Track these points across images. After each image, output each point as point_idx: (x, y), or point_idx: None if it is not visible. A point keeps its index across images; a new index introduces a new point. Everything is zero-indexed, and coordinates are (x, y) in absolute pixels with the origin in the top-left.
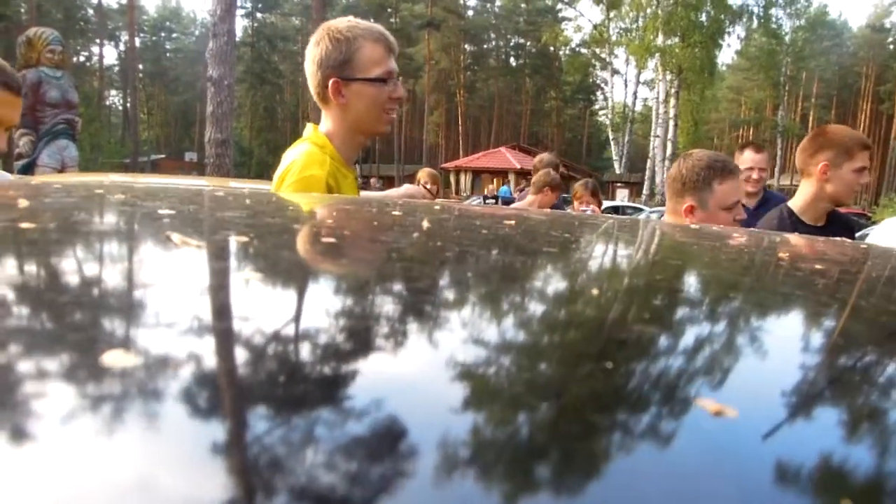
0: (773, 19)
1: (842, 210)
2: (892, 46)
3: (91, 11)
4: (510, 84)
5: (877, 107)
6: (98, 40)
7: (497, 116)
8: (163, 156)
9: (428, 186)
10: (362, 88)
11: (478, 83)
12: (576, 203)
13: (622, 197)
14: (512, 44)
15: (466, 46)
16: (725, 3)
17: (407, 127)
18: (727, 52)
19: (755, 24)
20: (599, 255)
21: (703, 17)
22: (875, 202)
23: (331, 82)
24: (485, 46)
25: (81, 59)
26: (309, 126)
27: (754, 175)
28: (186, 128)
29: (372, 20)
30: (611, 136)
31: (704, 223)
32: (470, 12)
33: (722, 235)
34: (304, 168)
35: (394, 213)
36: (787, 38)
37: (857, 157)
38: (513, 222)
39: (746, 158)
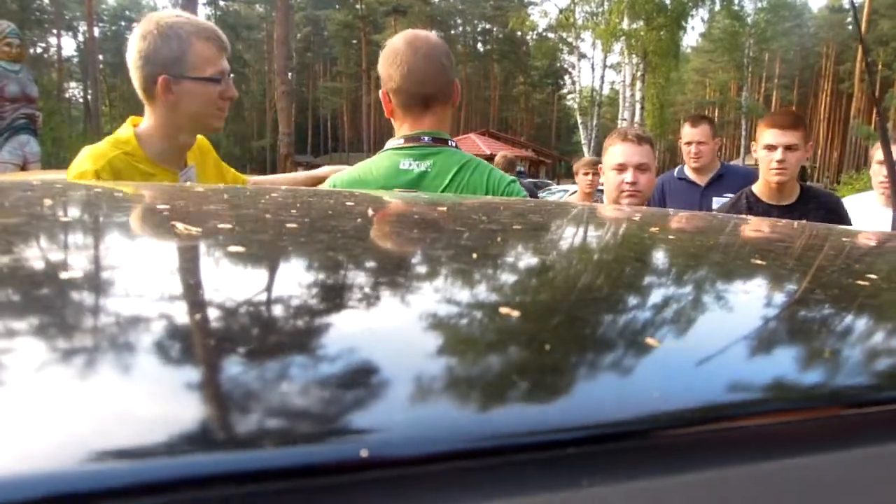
0: (736, 1)
1: None
2: (850, 27)
3: (47, 1)
4: (478, 70)
5: (837, 86)
6: (55, 31)
7: (466, 102)
8: None
9: None
10: (195, 87)
11: None
12: None
13: None
14: (479, 29)
15: (434, 32)
16: None
17: (376, 115)
18: (691, 35)
19: (718, 6)
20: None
21: (667, 0)
22: (837, 180)
23: (160, 80)
24: (452, 32)
25: (38, 50)
26: (128, 120)
27: (693, 149)
28: None
29: (337, 7)
30: (579, 120)
31: (606, 182)
32: None
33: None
34: (76, 167)
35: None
36: (749, 20)
37: (763, 135)
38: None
39: (685, 133)
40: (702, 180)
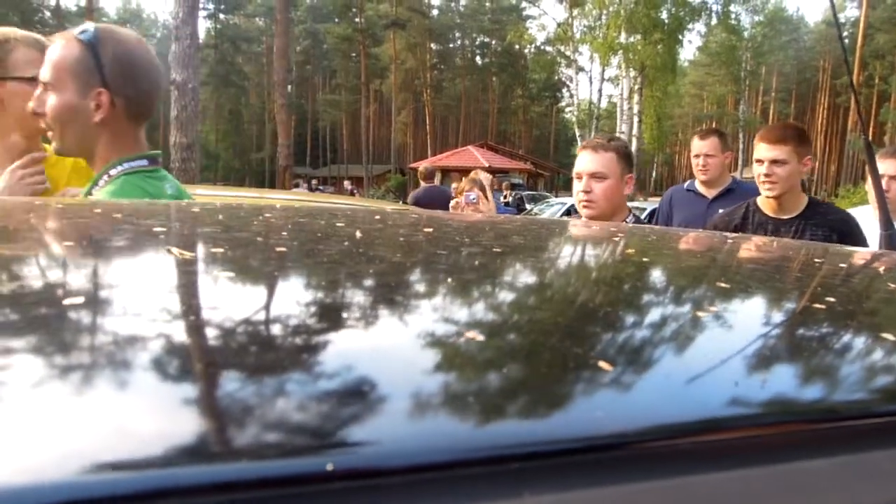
0: (733, 15)
1: None
2: (847, 41)
3: (49, 14)
4: (477, 83)
5: (834, 100)
6: None
7: (464, 115)
8: None
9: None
10: (17, 87)
11: (444, 82)
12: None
13: None
14: (477, 42)
15: (432, 45)
16: (685, 1)
17: (375, 127)
18: (689, 49)
19: (715, 20)
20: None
21: (664, 15)
22: (835, 193)
23: None
24: (450, 45)
25: None
26: None
27: (700, 162)
28: (150, 132)
29: (336, 21)
30: (577, 133)
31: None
32: (435, 11)
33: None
34: None
35: None
36: (746, 34)
37: (755, 148)
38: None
39: (694, 146)
40: (710, 193)
